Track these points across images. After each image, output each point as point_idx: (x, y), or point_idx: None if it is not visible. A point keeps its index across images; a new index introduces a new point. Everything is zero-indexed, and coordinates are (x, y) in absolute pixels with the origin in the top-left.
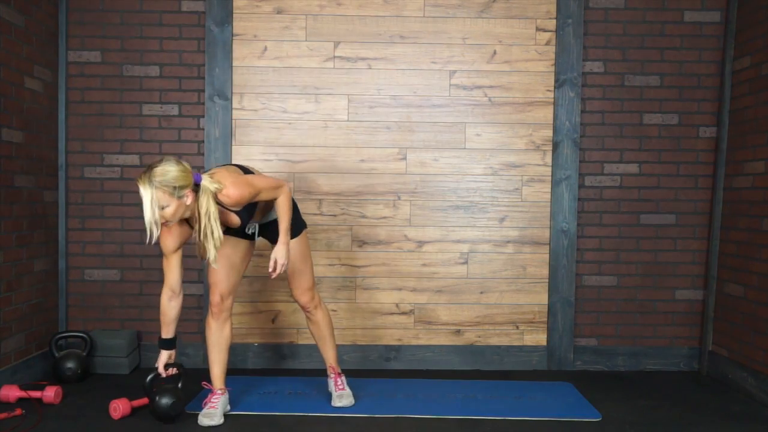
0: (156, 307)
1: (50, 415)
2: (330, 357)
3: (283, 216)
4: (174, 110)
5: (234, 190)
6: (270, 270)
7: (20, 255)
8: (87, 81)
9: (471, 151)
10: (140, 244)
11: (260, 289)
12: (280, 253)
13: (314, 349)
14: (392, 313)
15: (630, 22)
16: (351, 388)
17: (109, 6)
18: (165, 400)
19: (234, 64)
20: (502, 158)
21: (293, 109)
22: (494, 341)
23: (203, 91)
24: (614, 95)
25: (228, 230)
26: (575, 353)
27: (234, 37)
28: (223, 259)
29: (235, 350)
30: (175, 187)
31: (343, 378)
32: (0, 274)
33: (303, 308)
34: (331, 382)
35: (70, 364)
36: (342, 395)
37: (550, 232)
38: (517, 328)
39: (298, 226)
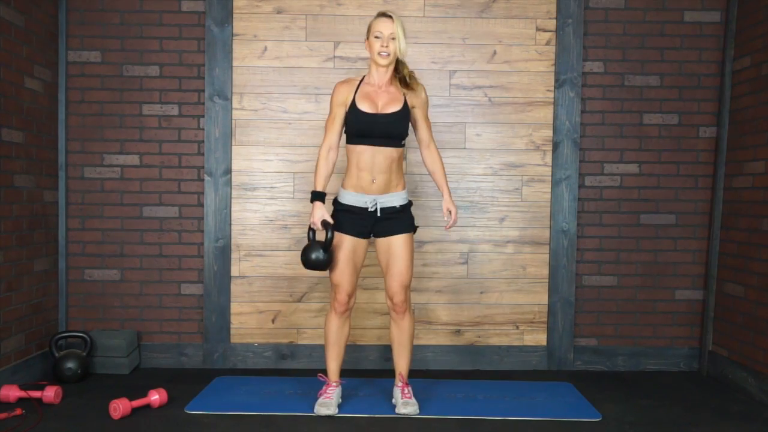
0: (155, 306)
1: (50, 415)
2: (403, 365)
3: (442, 170)
4: (174, 110)
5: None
6: (446, 218)
7: (20, 255)
8: (87, 81)
9: (471, 151)
10: (140, 244)
11: (260, 289)
12: (452, 205)
13: (314, 349)
14: None
15: (630, 22)
16: (351, 388)
17: (109, 6)
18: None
19: (234, 64)
20: (502, 158)
21: (293, 109)
22: (494, 341)
23: (203, 91)
24: (614, 95)
25: (351, 229)
26: (575, 353)
27: (234, 37)
28: (347, 262)
29: (235, 350)
30: (404, 30)
31: (410, 388)
32: (0, 274)
33: (394, 309)
34: (398, 391)
35: (70, 364)
36: (408, 403)
37: (550, 232)
38: (517, 328)
39: (414, 224)
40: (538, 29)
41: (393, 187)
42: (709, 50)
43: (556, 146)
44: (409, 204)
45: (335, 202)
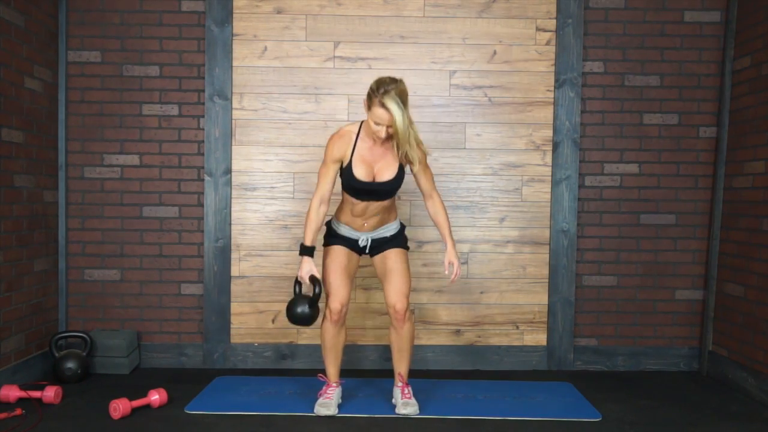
0: (155, 306)
1: (50, 415)
2: (403, 368)
3: (446, 220)
4: (174, 110)
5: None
6: (447, 272)
7: (20, 255)
8: (87, 81)
9: (471, 151)
10: (140, 244)
11: (260, 289)
12: (454, 257)
13: (314, 349)
14: None
15: (630, 22)
16: (351, 388)
17: (109, 6)
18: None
19: (234, 64)
20: (502, 158)
21: (293, 109)
22: (494, 341)
23: (203, 91)
24: (614, 95)
25: (346, 241)
26: (575, 353)
27: (234, 37)
28: (341, 271)
29: (235, 350)
30: (404, 121)
31: (410, 388)
32: (0, 274)
33: (395, 317)
34: (398, 391)
35: (70, 364)
36: (408, 404)
37: (550, 232)
38: (517, 328)
39: (407, 244)
40: (538, 29)
41: (385, 222)
42: (709, 50)
43: (556, 146)
44: (402, 228)
45: (328, 224)
